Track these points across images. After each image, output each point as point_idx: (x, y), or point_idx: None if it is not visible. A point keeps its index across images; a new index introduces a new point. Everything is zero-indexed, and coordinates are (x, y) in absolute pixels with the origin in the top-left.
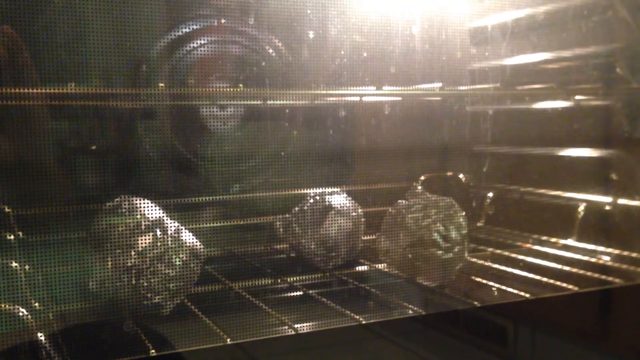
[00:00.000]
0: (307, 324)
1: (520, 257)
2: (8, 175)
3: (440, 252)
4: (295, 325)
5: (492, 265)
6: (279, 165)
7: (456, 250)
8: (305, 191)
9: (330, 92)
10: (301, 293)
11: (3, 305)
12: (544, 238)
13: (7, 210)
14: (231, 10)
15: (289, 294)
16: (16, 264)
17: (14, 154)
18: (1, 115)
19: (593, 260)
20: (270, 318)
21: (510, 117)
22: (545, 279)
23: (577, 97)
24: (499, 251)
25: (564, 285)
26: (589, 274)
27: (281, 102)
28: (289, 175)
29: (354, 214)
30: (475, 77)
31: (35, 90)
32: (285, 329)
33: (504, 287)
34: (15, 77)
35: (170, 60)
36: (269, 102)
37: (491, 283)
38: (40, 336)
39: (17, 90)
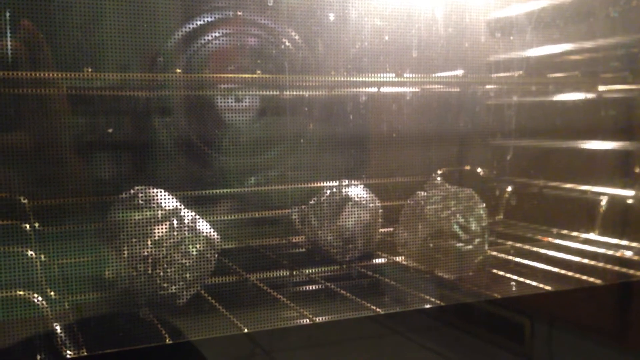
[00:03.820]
0: (324, 316)
1: (541, 250)
2: (25, 165)
3: (459, 244)
4: (312, 316)
5: (512, 258)
6: (296, 157)
7: (476, 242)
8: (323, 183)
9: (350, 79)
10: (318, 285)
11: (20, 293)
12: (565, 232)
13: (23, 201)
14: None
15: (305, 286)
16: (32, 253)
17: (30, 144)
18: (18, 105)
19: (617, 254)
20: (286, 309)
21: (531, 109)
22: (564, 272)
23: (601, 87)
24: (518, 245)
25: (584, 278)
26: (608, 266)
27: (298, 92)
28: (305, 167)
29: (371, 205)
30: (497, 67)
31: (51, 75)
32: (301, 320)
33: (523, 280)
34: (33, 66)
35: (187, 52)
36: (286, 92)
37: (511, 276)
38: (56, 324)
39: (35, 75)
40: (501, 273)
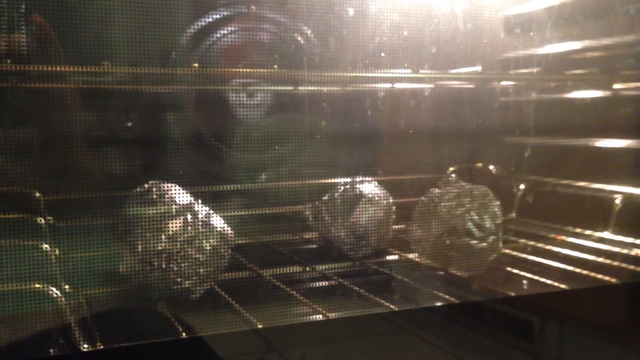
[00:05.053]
0: (337, 312)
1: (555, 249)
2: (39, 160)
3: (474, 241)
4: (325, 312)
5: (526, 257)
6: (309, 153)
7: (490, 240)
8: (336, 180)
9: (367, 75)
10: (331, 282)
11: (36, 286)
12: (579, 230)
13: (37, 195)
14: None
15: (318, 283)
16: (47, 246)
17: (43, 139)
18: (32, 100)
19: (632, 253)
20: (300, 305)
21: (548, 107)
22: (578, 270)
23: (617, 85)
24: (531, 243)
25: (599, 277)
26: (623, 265)
27: (312, 87)
28: (319, 163)
29: (384, 202)
30: (516, 63)
31: (63, 69)
32: (315, 315)
33: (537, 278)
34: (44, 61)
35: (199, 48)
36: (300, 87)
37: (525, 274)
38: (72, 318)
39: (46, 69)
40: (515, 271)
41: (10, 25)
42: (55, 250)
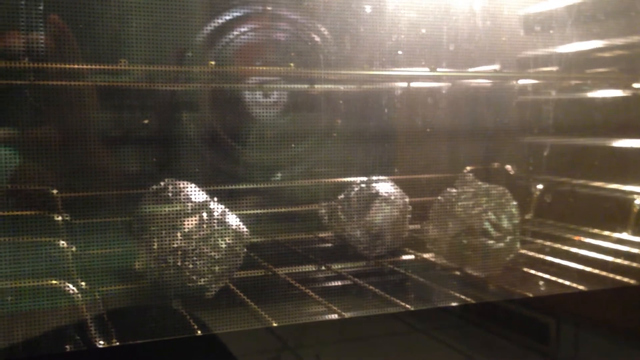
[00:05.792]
0: (352, 312)
1: (573, 249)
2: (56, 157)
3: (491, 241)
4: (340, 311)
5: (543, 257)
6: (325, 152)
7: (507, 240)
8: (351, 179)
9: (382, 73)
10: (346, 281)
11: (52, 282)
12: (597, 231)
13: (54, 192)
14: None
15: (333, 282)
16: (64, 243)
17: (60, 136)
18: (49, 98)
19: None
20: (315, 304)
21: (566, 106)
22: (596, 271)
23: (637, 84)
24: (549, 243)
25: (618, 278)
26: None
27: (329, 86)
28: (334, 162)
29: (400, 202)
30: (534, 62)
31: (80, 66)
32: (330, 314)
33: (554, 279)
34: (62, 59)
35: (215, 47)
36: (315, 86)
37: (542, 274)
38: (88, 314)
39: (63, 66)
40: (532, 271)
41: (29, 24)
42: (71, 247)
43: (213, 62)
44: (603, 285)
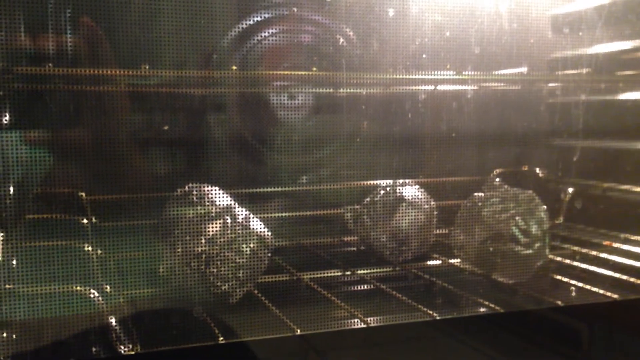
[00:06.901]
0: (377, 317)
1: (603, 255)
2: (84, 161)
3: (519, 247)
4: (365, 318)
5: (573, 263)
6: (351, 156)
7: (536, 246)
8: (377, 182)
9: (407, 77)
10: (371, 286)
11: (76, 288)
12: (630, 237)
13: (81, 195)
14: None
15: (358, 287)
16: (89, 247)
17: (88, 140)
18: (77, 102)
19: None
20: (339, 310)
21: (597, 109)
22: (633, 280)
23: None
24: (578, 248)
25: None
26: None
27: (353, 89)
28: (360, 165)
29: (426, 206)
30: (563, 64)
31: (111, 72)
32: (355, 321)
33: (586, 286)
34: (90, 64)
35: (241, 50)
36: (340, 89)
37: (573, 282)
38: (111, 319)
39: (91, 72)
40: (562, 278)
41: (57, 28)
42: (97, 250)
43: (234, 67)
44: (636, 294)
